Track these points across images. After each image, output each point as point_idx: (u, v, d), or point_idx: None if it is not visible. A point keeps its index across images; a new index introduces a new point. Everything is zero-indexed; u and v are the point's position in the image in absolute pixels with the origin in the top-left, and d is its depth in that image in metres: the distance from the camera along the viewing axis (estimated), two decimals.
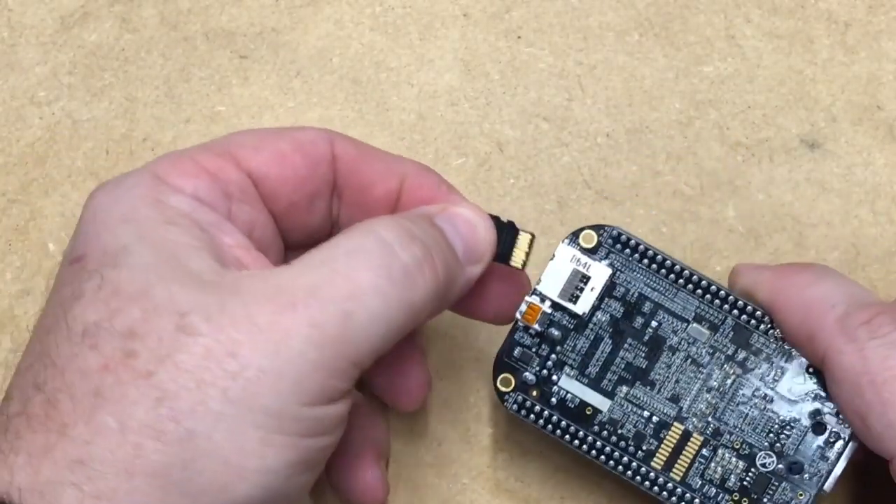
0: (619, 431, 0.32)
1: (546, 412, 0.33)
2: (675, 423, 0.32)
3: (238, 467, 0.26)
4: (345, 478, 0.33)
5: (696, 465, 0.32)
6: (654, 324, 0.33)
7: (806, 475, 0.32)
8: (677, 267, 0.33)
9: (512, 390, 0.33)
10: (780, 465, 0.32)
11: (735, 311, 0.33)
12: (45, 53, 0.40)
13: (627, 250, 0.33)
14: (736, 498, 0.32)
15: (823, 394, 0.32)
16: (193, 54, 0.40)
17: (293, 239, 0.32)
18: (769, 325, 0.32)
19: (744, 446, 0.32)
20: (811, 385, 0.32)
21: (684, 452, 0.32)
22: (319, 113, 0.39)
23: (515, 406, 0.33)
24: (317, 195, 0.31)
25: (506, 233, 0.32)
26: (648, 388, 0.33)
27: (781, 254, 0.38)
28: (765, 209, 0.38)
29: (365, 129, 0.39)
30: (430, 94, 0.39)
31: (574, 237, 0.33)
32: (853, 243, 0.38)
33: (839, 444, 0.32)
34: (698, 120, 0.39)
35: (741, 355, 0.33)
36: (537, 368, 0.33)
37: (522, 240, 0.32)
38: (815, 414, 0.32)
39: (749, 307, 0.32)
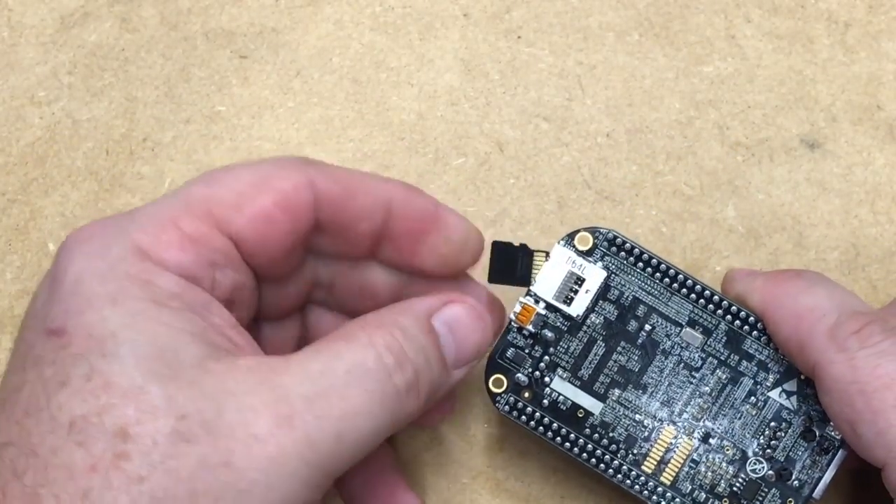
0: (611, 435, 0.32)
1: (537, 414, 0.33)
2: (667, 427, 0.32)
3: None
4: None
5: (687, 469, 0.32)
6: (647, 327, 0.33)
7: (796, 482, 0.32)
8: (672, 271, 0.33)
9: (504, 391, 0.33)
10: (770, 472, 0.32)
11: (728, 317, 0.33)
12: (45, 53, 0.40)
13: (623, 253, 0.33)
14: (726, 503, 0.32)
15: (814, 401, 0.32)
16: (193, 54, 0.40)
17: (268, 279, 0.31)
18: (762, 331, 0.32)
19: (734, 452, 0.32)
20: (803, 392, 0.32)
21: (675, 457, 0.32)
22: (319, 113, 0.39)
23: (507, 407, 0.33)
24: (298, 244, 0.30)
25: (521, 257, 0.32)
26: (641, 391, 0.33)
27: (781, 254, 0.38)
28: (765, 209, 0.38)
29: (365, 129, 0.39)
30: (430, 94, 0.39)
31: (569, 239, 0.33)
32: (853, 243, 0.38)
33: (829, 451, 0.32)
34: (698, 120, 0.39)
35: (734, 361, 0.33)
36: (530, 370, 0.33)
37: (538, 260, 0.33)
38: (806, 421, 0.32)
39: (742, 313, 0.32)
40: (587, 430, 0.32)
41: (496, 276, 0.33)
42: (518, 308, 0.33)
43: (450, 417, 0.36)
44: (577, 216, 0.38)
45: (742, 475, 0.32)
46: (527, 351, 0.33)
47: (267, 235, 0.29)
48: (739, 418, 0.32)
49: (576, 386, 0.33)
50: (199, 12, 0.40)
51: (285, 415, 0.26)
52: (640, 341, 0.33)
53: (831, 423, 0.32)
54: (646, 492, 0.32)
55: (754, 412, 0.32)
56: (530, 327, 0.33)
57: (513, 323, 0.33)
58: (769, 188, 0.38)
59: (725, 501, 0.32)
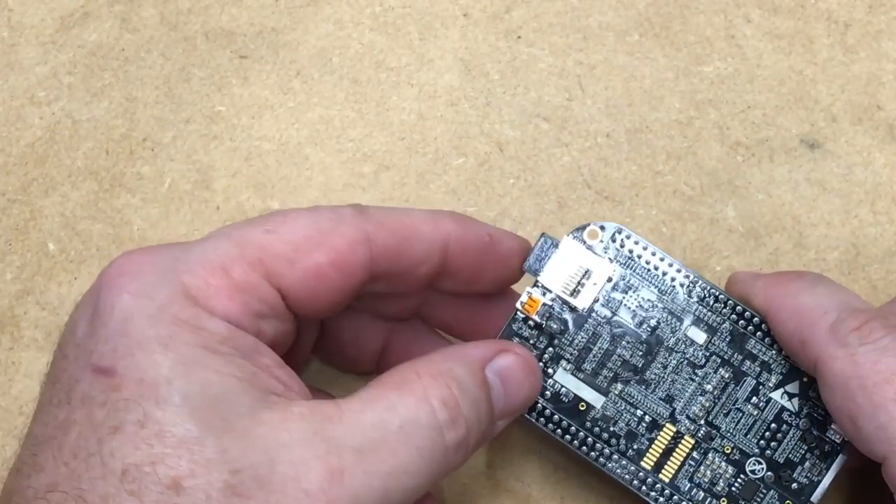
0: (612, 429, 0.32)
1: (539, 405, 0.33)
2: (668, 424, 0.32)
3: None
4: None
5: (686, 467, 0.32)
6: (652, 323, 0.33)
7: (794, 485, 0.32)
8: (678, 268, 0.33)
9: None
10: (770, 473, 0.32)
11: (734, 316, 0.33)
12: (45, 53, 0.40)
13: (630, 249, 0.33)
14: (723, 503, 0.32)
15: (816, 404, 0.32)
16: (193, 54, 0.40)
17: (313, 322, 0.31)
18: (766, 332, 0.32)
19: (734, 451, 0.32)
20: (805, 394, 0.32)
21: (675, 454, 0.32)
22: (319, 113, 0.39)
23: None
24: (348, 297, 0.30)
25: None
26: (643, 387, 0.33)
27: (781, 254, 0.38)
28: (765, 209, 0.38)
29: (365, 129, 0.39)
30: (430, 94, 0.39)
31: (578, 232, 0.33)
32: (853, 243, 0.38)
33: (829, 455, 0.32)
34: (698, 120, 0.39)
35: (737, 360, 0.33)
36: None
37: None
38: (807, 423, 0.32)
39: (747, 313, 0.33)
40: (588, 423, 0.32)
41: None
42: (525, 298, 0.33)
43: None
44: (577, 216, 0.38)
45: (741, 475, 0.32)
46: (531, 341, 0.33)
47: (318, 292, 0.29)
48: (741, 418, 0.32)
49: (579, 379, 0.33)
50: (199, 12, 0.40)
51: (336, 469, 0.26)
52: (643, 337, 0.33)
53: (832, 427, 0.32)
54: (644, 488, 0.32)
55: (756, 412, 0.32)
56: (536, 317, 0.33)
57: (519, 312, 0.33)
58: (769, 188, 0.38)
59: (724, 501, 0.32)
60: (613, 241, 0.33)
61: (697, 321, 0.33)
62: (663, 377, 0.33)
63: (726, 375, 0.33)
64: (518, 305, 0.33)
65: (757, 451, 0.32)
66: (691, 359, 0.33)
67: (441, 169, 0.39)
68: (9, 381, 0.37)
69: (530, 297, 0.33)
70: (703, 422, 0.32)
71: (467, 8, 0.40)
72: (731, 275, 0.34)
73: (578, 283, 0.33)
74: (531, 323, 0.33)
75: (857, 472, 0.34)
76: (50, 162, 0.39)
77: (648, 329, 0.33)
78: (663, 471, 0.32)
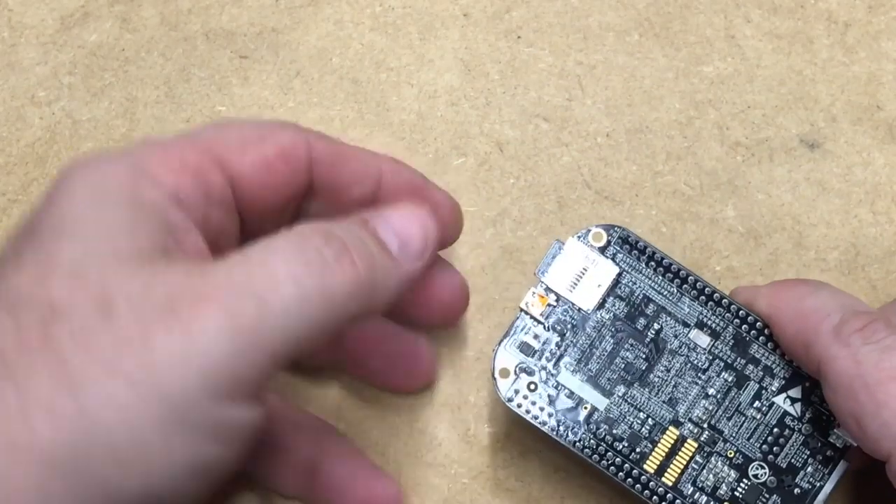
0: (614, 431, 0.32)
1: (542, 405, 0.33)
2: (671, 428, 0.32)
3: (131, 463, 0.25)
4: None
5: (689, 471, 0.32)
6: (656, 326, 0.33)
7: (797, 490, 0.32)
8: (683, 272, 0.33)
9: (510, 381, 0.33)
10: (772, 478, 0.32)
11: (737, 321, 0.33)
12: (45, 53, 0.40)
13: (635, 252, 0.33)
14: None
15: (819, 409, 0.32)
16: (193, 54, 0.40)
17: (253, 234, 0.31)
18: (769, 337, 0.33)
19: (737, 455, 0.32)
20: (807, 399, 0.32)
21: (678, 458, 0.32)
22: (320, 113, 0.39)
23: (511, 396, 0.33)
24: (291, 200, 0.31)
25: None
26: (646, 389, 0.33)
27: (781, 254, 0.38)
28: (764, 209, 0.38)
29: (365, 129, 0.39)
30: (430, 94, 0.39)
31: (584, 234, 0.33)
32: (853, 243, 0.38)
33: (831, 461, 0.32)
34: (698, 120, 0.39)
35: (740, 364, 0.33)
36: (536, 360, 0.33)
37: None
38: (810, 429, 0.32)
39: (750, 318, 0.33)
40: (591, 425, 0.32)
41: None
42: (529, 298, 0.33)
43: (429, 385, 0.36)
44: (577, 216, 0.38)
45: (744, 480, 0.32)
46: (535, 342, 0.33)
47: (265, 184, 0.30)
48: (743, 422, 0.32)
49: (582, 380, 0.33)
50: (200, 12, 0.40)
51: (207, 294, 0.26)
52: (647, 339, 0.33)
53: (834, 432, 0.32)
54: (647, 491, 0.32)
55: (758, 417, 0.32)
56: (540, 318, 0.33)
57: (523, 312, 0.33)
58: (769, 188, 0.38)
59: None
60: (619, 243, 0.33)
61: (701, 325, 0.33)
62: (667, 380, 0.33)
63: (729, 379, 0.33)
64: (522, 306, 0.33)
65: (760, 455, 0.32)
66: (695, 362, 0.33)
67: (441, 169, 0.39)
68: None
69: (537, 298, 0.33)
70: (706, 425, 0.32)
71: (467, 8, 0.40)
72: (732, 290, 0.35)
73: (583, 284, 0.33)
74: (535, 323, 0.33)
75: (860, 474, 0.34)
76: (50, 162, 0.39)
77: (652, 332, 0.33)
78: (666, 474, 0.32)
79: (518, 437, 0.36)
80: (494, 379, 0.33)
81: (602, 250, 0.33)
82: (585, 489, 0.36)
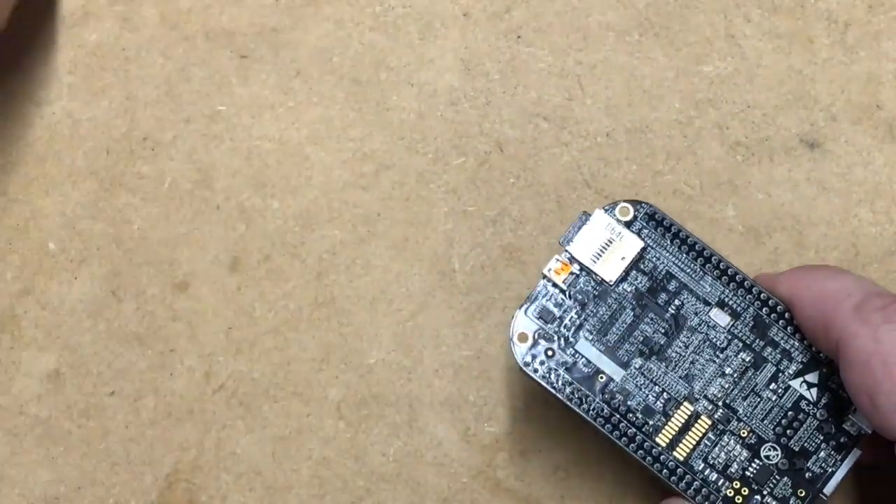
0: (629, 403, 0.32)
1: (558, 372, 0.32)
2: (686, 403, 0.32)
3: None
4: None
5: (701, 447, 0.32)
6: (677, 303, 0.33)
7: (808, 473, 0.32)
8: (707, 252, 0.33)
9: (528, 346, 0.33)
10: (784, 460, 0.32)
11: (758, 303, 0.33)
12: (45, 53, 0.40)
13: (661, 229, 0.33)
14: (736, 486, 0.32)
15: (835, 395, 0.32)
16: (193, 54, 0.40)
17: None
18: (789, 321, 0.33)
19: (750, 436, 0.32)
20: (824, 384, 0.32)
21: (690, 433, 0.32)
22: (319, 113, 0.39)
23: (528, 360, 0.32)
24: None
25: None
26: (663, 364, 0.33)
27: (781, 253, 0.38)
28: (764, 209, 0.38)
29: (365, 129, 0.39)
30: (430, 93, 0.39)
31: (611, 208, 0.33)
32: (853, 243, 0.38)
33: (844, 447, 0.32)
34: (698, 119, 0.39)
35: (759, 346, 0.33)
36: (556, 328, 0.33)
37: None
38: (825, 414, 0.32)
39: (772, 301, 0.33)
40: (606, 395, 0.32)
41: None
42: (553, 264, 0.33)
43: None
44: (576, 216, 0.38)
45: (755, 460, 0.32)
46: (555, 309, 0.33)
47: None
48: (758, 403, 0.32)
49: (600, 350, 0.33)
50: (200, 12, 0.40)
51: None
52: (668, 315, 0.33)
53: (850, 418, 0.32)
54: (657, 464, 0.32)
55: (774, 399, 0.32)
56: (563, 285, 0.33)
57: (546, 278, 0.33)
58: (769, 188, 0.38)
59: (736, 484, 0.32)
60: (645, 219, 0.33)
61: (722, 304, 0.33)
62: (684, 356, 0.33)
63: (747, 360, 0.33)
64: (545, 272, 0.33)
65: (773, 437, 0.32)
66: (713, 340, 0.33)
67: (441, 168, 0.39)
68: (9, 380, 0.38)
69: (561, 265, 0.33)
70: (721, 403, 0.32)
71: (467, 8, 0.40)
72: (755, 276, 0.35)
73: (607, 256, 0.33)
74: (556, 290, 0.33)
75: (868, 470, 0.34)
76: (50, 161, 0.39)
77: (673, 308, 0.33)
78: (678, 449, 0.32)
79: (518, 436, 0.36)
80: (512, 342, 0.33)
81: (628, 225, 0.33)
82: (585, 489, 0.36)
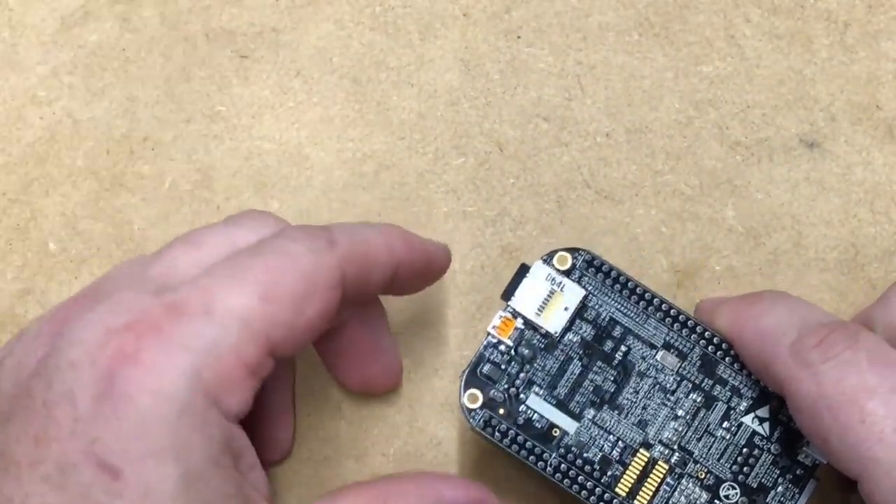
0: (585, 455, 0.32)
1: (512, 431, 0.32)
2: (641, 450, 0.32)
3: None
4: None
5: (661, 493, 0.32)
6: (623, 348, 0.33)
7: None
8: (648, 294, 0.33)
9: (479, 407, 0.32)
10: (744, 498, 0.32)
11: (703, 342, 0.33)
12: (45, 53, 0.40)
13: (600, 275, 0.33)
14: None
15: (787, 427, 0.32)
16: (193, 54, 0.40)
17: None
18: (735, 357, 0.33)
19: (708, 476, 0.32)
20: (775, 418, 0.32)
21: (649, 480, 0.32)
22: (319, 113, 0.39)
23: (482, 423, 0.32)
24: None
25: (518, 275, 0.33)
26: (616, 412, 0.32)
27: (781, 253, 0.38)
28: (764, 209, 0.38)
29: (365, 129, 0.39)
30: (430, 93, 0.39)
31: (549, 257, 0.33)
32: (852, 243, 0.38)
33: (801, 479, 0.32)
34: (698, 120, 0.39)
35: (708, 385, 0.33)
36: (506, 386, 0.32)
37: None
38: (778, 448, 0.32)
39: (717, 338, 0.33)
40: (562, 449, 0.32)
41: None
42: (497, 322, 0.33)
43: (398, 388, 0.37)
44: (576, 216, 0.38)
45: (716, 501, 0.32)
46: (503, 367, 0.32)
47: (303, 344, 0.29)
48: (713, 443, 0.32)
49: (551, 404, 0.32)
50: (200, 12, 0.40)
51: None
52: (615, 362, 0.33)
53: (803, 450, 0.32)
54: None
55: (728, 437, 0.32)
56: (508, 342, 0.32)
57: (491, 337, 0.32)
58: (768, 188, 0.38)
59: None
60: (585, 266, 0.33)
61: (668, 346, 0.33)
62: (636, 403, 0.33)
63: (698, 400, 0.33)
64: (490, 330, 0.32)
65: (730, 476, 0.32)
66: (663, 384, 0.33)
67: (441, 169, 0.39)
68: None
69: (503, 321, 0.33)
70: (676, 447, 0.32)
71: (467, 8, 0.40)
72: (697, 303, 0.35)
73: (550, 308, 0.33)
74: (503, 347, 0.33)
75: (840, 488, 0.34)
76: (50, 161, 0.39)
77: (620, 354, 0.33)
78: (638, 497, 0.32)
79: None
80: (463, 406, 0.32)
81: (567, 273, 0.33)
82: None
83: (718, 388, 0.33)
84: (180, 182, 0.39)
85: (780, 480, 0.32)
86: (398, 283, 0.32)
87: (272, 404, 0.34)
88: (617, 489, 0.32)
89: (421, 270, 0.33)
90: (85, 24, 0.40)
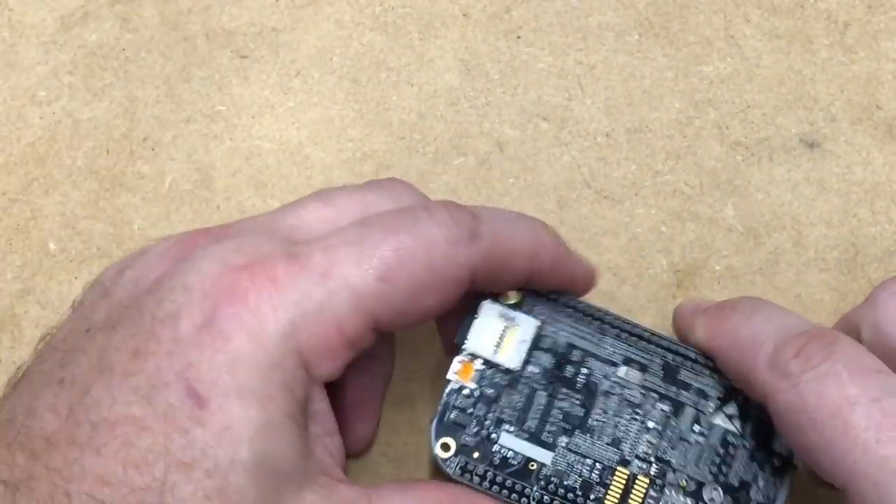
0: (566, 483, 0.32)
1: (490, 473, 0.32)
2: (620, 468, 0.32)
3: None
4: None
5: None
6: (584, 371, 0.32)
7: (753, 503, 0.32)
8: (598, 313, 0.33)
9: (453, 455, 0.32)
10: (728, 497, 0.32)
11: (661, 350, 0.33)
12: (45, 53, 0.40)
13: (550, 302, 0.33)
14: None
15: (758, 421, 0.32)
16: (193, 54, 0.40)
17: None
18: (695, 361, 0.33)
19: (689, 483, 0.32)
20: (745, 413, 0.32)
21: (632, 496, 0.32)
22: (320, 113, 0.39)
23: (458, 470, 0.32)
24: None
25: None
26: (588, 435, 0.32)
27: (781, 253, 0.38)
28: (764, 209, 0.38)
29: (365, 129, 0.39)
30: (430, 93, 0.39)
31: (495, 295, 0.33)
32: (852, 243, 0.38)
33: (780, 469, 0.32)
34: (698, 119, 0.39)
35: (673, 392, 0.33)
36: (476, 429, 0.32)
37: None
38: (753, 442, 0.32)
39: (674, 346, 0.33)
40: (542, 481, 0.32)
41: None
42: (456, 367, 0.32)
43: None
44: (576, 216, 0.38)
45: None
46: (470, 410, 0.32)
47: (412, 325, 0.29)
48: (688, 449, 0.32)
49: (523, 439, 0.32)
50: (200, 12, 0.40)
51: None
52: (579, 385, 0.33)
53: (777, 441, 0.32)
54: None
55: (702, 440, 0.32)
56: (471, 385, 0.32)
57: (452, 383, 0.32)
58: (768, 188, 0.38)
59: None
60: (533, 296, 0.33)
61: (629, 361, 0.33)
62: (606, 422, 0.32)
63: (666, 409, 0.32)
64: (450, 376, 0.32)
65: (710, 478, 0.32)
66: (629, 399, 0.32)
67: (441, 168, 0.39)
68: None
69: (463, 365, 0.32)
70: (653, 459, 0.32)
71: (467, 8, 0.40)
72: (676, 307, 0.34)
73: (506, 343, 0.32)
74: (466, 392, 0.32)
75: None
76: (50, 161, 0.39)
77: (583, 377, 0.33)
78: None
79: None
80: (436, 457, 0.32)
81: (517, 307, 0.33)
82: None
83: (684, 393, 0.33)
84: (180, 182, 0.39)
85: (760, 474, 0.32)
86: (529, 284, 0.31)
87: (362, 395, 0.34)
88: None
89: (557, 286, 0.32)
90: (85, 24, 0.40)
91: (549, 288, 0.32)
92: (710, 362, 0.33)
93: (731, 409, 0.33)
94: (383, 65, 0.40)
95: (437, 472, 0.32)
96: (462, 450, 0.32)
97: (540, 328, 0.33)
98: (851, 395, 0.28)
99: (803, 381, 0.28)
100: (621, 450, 0.32)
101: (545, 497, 0.32)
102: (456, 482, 0.32)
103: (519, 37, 0.40)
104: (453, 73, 0.39)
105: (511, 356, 0.32)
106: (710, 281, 0.37)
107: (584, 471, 0.32)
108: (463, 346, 0.32)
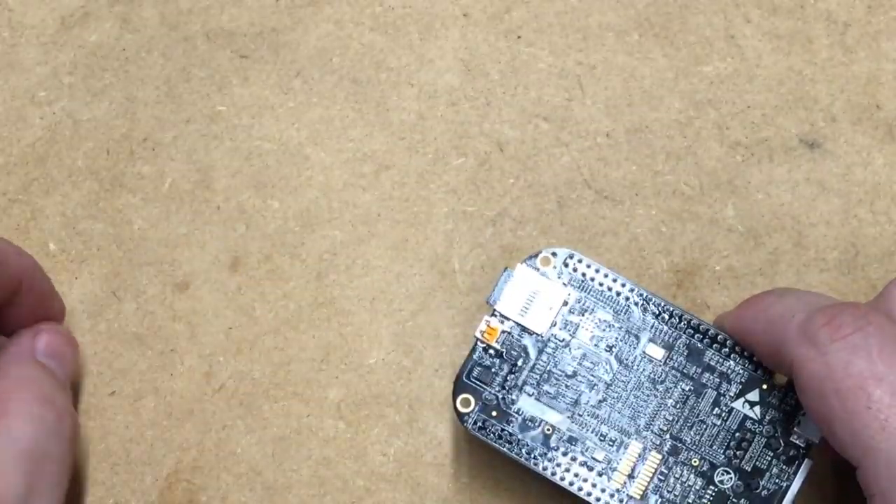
0: (579, 450, 0.33)
1: (506, 432, 0.33)
2: (634, 441, 0.32)
3: None
4: None
5: (655, 482, 0.32)
6: (609, 342, 0.33)
7: (764, 492, 0.32)
8: (631, 288, 0.33)
9: (472, 410, 0.33)
10: (738, 482, 0.32)
11: (689, 330, 0.33)
12: (45, 53, 0.40)
13: (583, 272, 0.33)
14: None
15: (778, 410, 0.32)
16: (193, 54, 0.40)
17: None
18: (722, 344, 0.33)
19: (702, 463, 0.32)
20: (766, 401, 0.32)
21: (643, 470, 0.32)
22: (319, 113, 0.39)
23: (476, 426, 0.33)
24: None
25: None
26: (607, 406, 0.33)
27: (781, 253, 0.38)
28: (764, 209, 0.38)
29: (365, 129, 0.39)
30: (430, 94, 0.39)
31: (531, 259, 0.33)
32: (852, 243, 0.38)
33: (795, 459, 0.32)
34: (698, 120, 0.39)
35: (696, 373, 0.33)
36: (497, 388, 0.33)
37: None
38: (771, 430, 0.32)
39: (702, 326, 0.33)
40: (556, 445, 0.33)
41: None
42: (483, 326, 0.33)
43: None
44: (576, 216, 0.38)
45: (711, 486, 0.32)
46: (493, 369, 0.33)
47: None
48: (705, 430, 0.33)
49: (543, 403, 0.33)
50: (200, 12, 0.40)
51: None
52: (602, 356, 0.33)
53: (796, 431, 0.32)
54: None
55: (719, 423, 0.33)
56: (496, 345, 0.33)
57: (478, 342, 0.33)
58: (769, 188, 0.38)
59: None
60: (566, 265, 0.33)
61: (654, 338, 0.33)
62: (626, 395, 0.33)
63: (687, 389, 0.33)
64: (477, 335, 0.33)
65: (724, 461, 0.32)
66: (651, 375, 0.33)
67: (441, 169, 0.39)
68: None
69: (489, 326, 0.33)
70: (668, 436, 0.33)
71: (467, 8, 0.40)
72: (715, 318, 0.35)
73: (534, 308, 0.33)
74: (492, 352, 0.33)
75: (836, 464, 0.34)
76: (50, 162, 0.39)
77: (607, 349, 0.33)
78: (633, 488, 0.32)
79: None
80: (457, 411, 0.33)
81: (550, 273, 0.33)
82: None
83: (707, 375, 0.33)
84: (180, 182, 0.39)
85: (774, 462, 0.32)
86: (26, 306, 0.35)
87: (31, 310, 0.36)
88: (612, 481, 0.32)
89: (41, 297, 0.35)
90: (85, 25, 0.40)
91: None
92: (738, 348, 0.33)
93: (753, 395, 0.33)
94: (383, 65, 0.40)
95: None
96: (481, 407, 0.33)
97: (569, 296, 0.33)
98: (879, 371, 0.28)
99: (832, 351, 0.29)
100: (638, 423, 0.33)
101: (558, 461, 0.32)
102: (474, 436, 0.33)
103: (519, 37, 0.40)
104: (453, 73, 0.39)
105: (539, 320, 0.33)
106: (710, 281, 0.37)
107: (599, 440, 0.32)
108: (493, 306, 0.33)
